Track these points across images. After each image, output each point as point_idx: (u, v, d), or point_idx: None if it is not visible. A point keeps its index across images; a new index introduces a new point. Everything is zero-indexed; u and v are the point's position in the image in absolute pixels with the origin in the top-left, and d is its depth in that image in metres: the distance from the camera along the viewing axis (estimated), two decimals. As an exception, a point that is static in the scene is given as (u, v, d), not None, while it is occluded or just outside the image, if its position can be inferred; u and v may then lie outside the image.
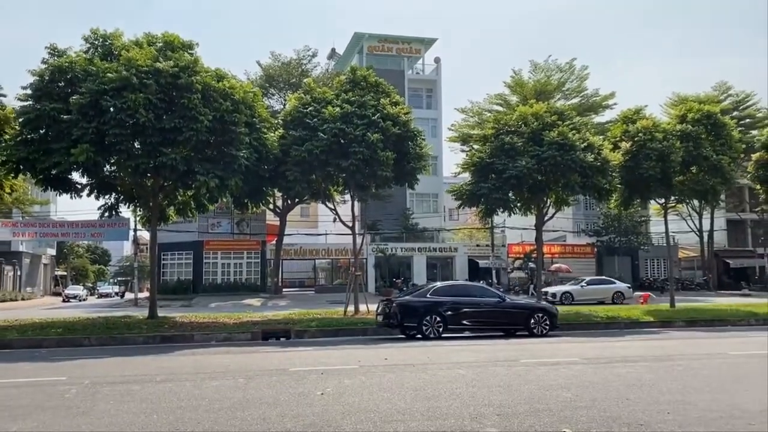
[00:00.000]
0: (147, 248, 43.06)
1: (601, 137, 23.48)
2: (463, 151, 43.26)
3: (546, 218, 23.16)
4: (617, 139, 23.04)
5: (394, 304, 15.25)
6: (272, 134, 19.65)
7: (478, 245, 44.87)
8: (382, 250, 41.83)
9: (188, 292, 39.79)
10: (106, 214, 20.05)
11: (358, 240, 22.62)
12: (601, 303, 28.00)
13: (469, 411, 6.65)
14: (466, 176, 24.01)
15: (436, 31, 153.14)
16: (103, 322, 17.65)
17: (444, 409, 6.72)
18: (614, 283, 31.09)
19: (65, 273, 70.01)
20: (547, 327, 15.55)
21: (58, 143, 16.22)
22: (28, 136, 17.14)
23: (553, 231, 42.59)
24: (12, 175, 18.62)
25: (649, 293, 29.59)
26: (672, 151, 21.44)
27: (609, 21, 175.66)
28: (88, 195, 19.36)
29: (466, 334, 15.58)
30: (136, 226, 32.21)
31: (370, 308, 20.22)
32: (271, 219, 42.47)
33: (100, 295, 63.75)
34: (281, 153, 19.62)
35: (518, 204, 22.48)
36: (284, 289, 41.10)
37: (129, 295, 52.67)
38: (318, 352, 12.13)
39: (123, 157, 16.57)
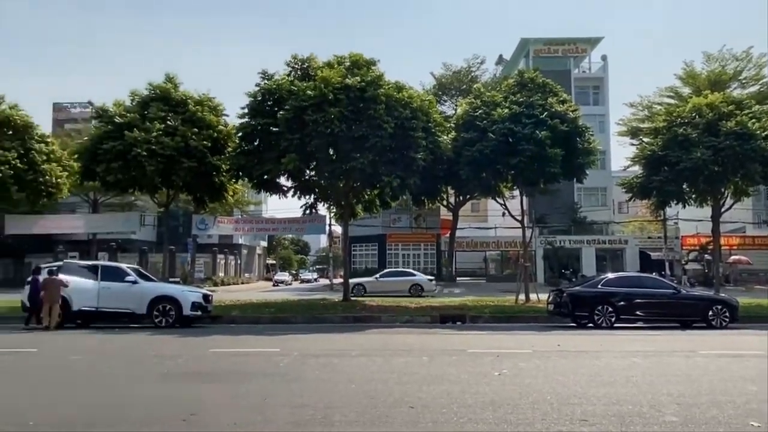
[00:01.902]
0: (340, 240, 46.09)
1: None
2: (632, 144, 41.00)
3: (723, 209, 22.13)
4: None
5: (565, 294, 14.81)
6: (446, 137, 19.92)
7: (649, 237, 43.36)
8: (550, 242, 40.66)
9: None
10: (307, 211, 22.00)
11: (527, 233, 22.10)
12: (398, 295, 25.86)
13: (647, 398, 6.26)
14: (636, 169, 22.52)
15: (602, 30, 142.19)
16: (306, 303, 19.33)
17: (621, 396, 6.38)
18: (414, 275, 29.02)
19: (274, 261, 77.94)
20: (727, 319, 14.41)
21: (269, 153, 18.02)
22: (246, 148, 19.33)
23: (731, 222, 37.99)
24: (233, 180, 21.47)
25: None
26: None
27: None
28: (293, 196, 21.32)
29: (639, 324, 14.75)
30: (330, 221, 34.86)
31: (540, 298, 19.80)
32: (445, 214, 43.05)
33: (302, 281, 69.66)
34: (454, 154, 19.88)
35: (693, 196, 21.53)
36: (458, 278, 41.41)
37: (324, 281, 57.00)
38: (492, 336, 12.12)
39: (321, 163, 18.02)
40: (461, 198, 35.51)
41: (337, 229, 42.55)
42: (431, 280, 29.69)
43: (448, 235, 39.85)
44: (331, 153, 18.13)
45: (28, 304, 14.79)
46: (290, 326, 15.37)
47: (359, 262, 45.41)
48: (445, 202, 36.79)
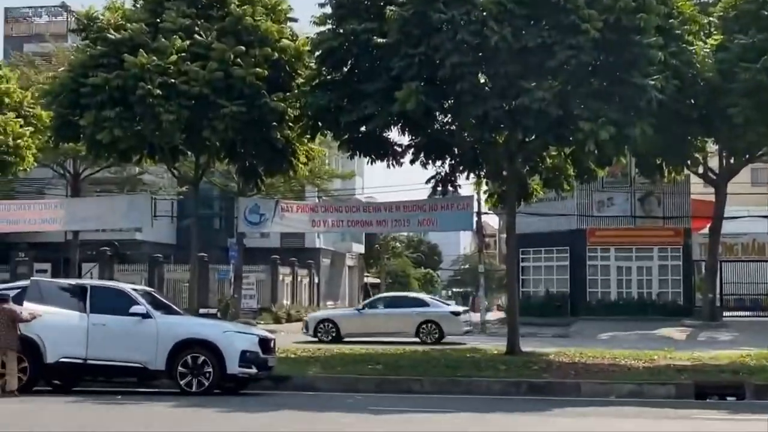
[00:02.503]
0: (497, 242, 45.98)
1: None
2: None
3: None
4: None
5: None
6: (702, 44, 19.20)
7: None
8: None
9: (562, 313, 41.50)
10: (438, 189, 22.24)
11: None
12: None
13: None
14: None
15: None
16: (440, 357, 19.68)
17: None
18: (426, 304, 31.56)
19: (378, 279, 79.85)
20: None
21: (370, 84, 18.47)
22: (329, 77, 19.95)
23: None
24: (307, 136, 22.22)
25: None
26: None
27: None
28: (412, 162, 21.72)
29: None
30: (480, 207, 35.00)
31: None
32: (700, 191, 41.44)
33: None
34: (719, 76, 19.26)
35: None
36: (726, 313, 39.84)
37: (470, 316, 57.63)
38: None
39: (464, 100, 18.13)
40: (732, 160, 33.85)
41: (492, 220, 42.46)
42: (462, 313, 31.26)
43: (705, 230, 38.29)
44: (483, 81, 18.19)
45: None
46: (412, 397, 15.70)
47: (534, 281, 45.29)
48: (700, 169, 35.32)
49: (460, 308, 33.95)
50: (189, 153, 24.45)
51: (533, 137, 20.00)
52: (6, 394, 15.09)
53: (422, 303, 31.66)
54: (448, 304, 34.65)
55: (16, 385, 15.26)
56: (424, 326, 29.00)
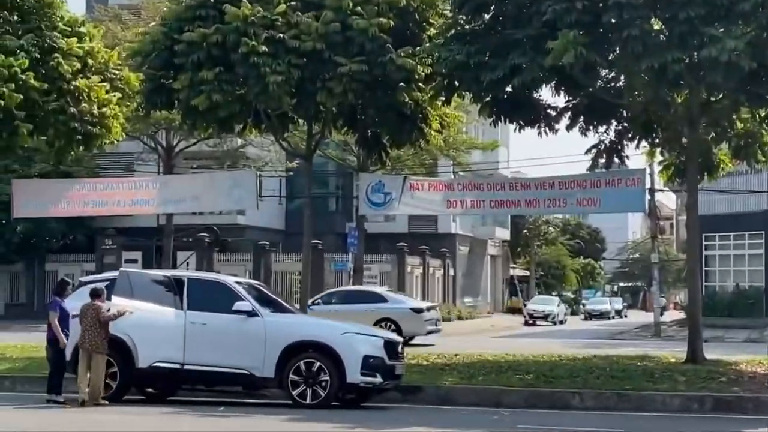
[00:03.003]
0: (675, 226, 45.11)
1: None
2: None
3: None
4: None
5: None
6: None
7: None
8: None
9: (755, 313, 40.73)
10: (601, 161, 21.93)
11: None
12: None
13: None
14: None
15: None
16: (604, 365, 19.47)
17: None
18: (383, 299, 32.93)
19: (526, 271, 79.41)
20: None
21: (520, 29, 18.34)
22: (467, 26, 19.90)
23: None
24: (441, 98, 22.14)
25: None
26: None
27: None
28: (568, 128, 21.53)
29: None
30: (653, 183, 34.37)
31: None
32: None
33: (588, 315, 70.13)
34: None
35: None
36: None
37: (640, 316, 56.58)
38: None
39: (634, 50, 17.79)
40: None
41: (667, 199, 41.50)
42: (426, 310, 32.38)
43: None
44: (658, 27, 18.05)
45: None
46: (569, 413, 15.70)
47: (720, 273, 44.27)
48: None
49: (424, 305, 34.93)
50: (300, 121, 24.70)
51: (720, 96, 19.63)
52: (92, 403, 15.63)
53: (379, 298, 32.74)
54: (413, 301, 35.43)
55: (100, 394, 15.80)
56: (380, 325, 28.54)
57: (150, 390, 17.17)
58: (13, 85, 20.89)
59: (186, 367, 16.19)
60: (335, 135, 30.12)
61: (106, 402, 15.70)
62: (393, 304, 32.39)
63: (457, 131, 38.13)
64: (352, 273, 40.76)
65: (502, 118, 21.57)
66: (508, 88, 19.53)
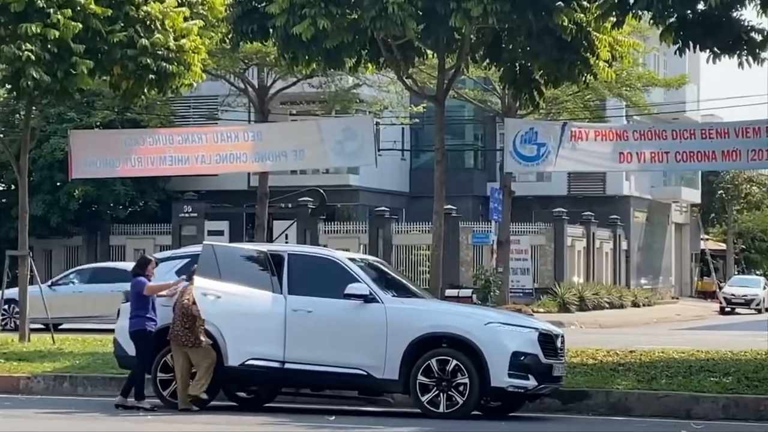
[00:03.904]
0: None
1: None
2: None
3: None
4: None
5: None
6: None
7: None
8: None
9: None
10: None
11: None
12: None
13: None
14: None
15: None
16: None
17: None
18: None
19: (722, 245, 78.16)
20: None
21: None
22: None
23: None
24: (612, 18, 21.84)
25: None
26: None
27: None
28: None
29: None
30: None
31: None
32: None
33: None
34: None
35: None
36: None
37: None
38: None
39: None
40: None
41: None
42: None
43: None
44: None
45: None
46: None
47: None
48: None
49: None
50: (429, 52, 24.68)
51: None
52: (189, 409, 16.11)
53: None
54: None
55: (186, 397, 16.21)
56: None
57: (242, 394, 17.40)
58: (69, 11, 21.27)
59: (287, 365, 16.33)
60: (473, 70, 30.04)
61: (196, 407, 16.06)
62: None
63: (631, 63, 37.58)
64: (495, 247, 40.79)
65: (691, 45, 21.18)
66: (700, 5, 19.21)
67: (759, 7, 20.03)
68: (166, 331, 16.36)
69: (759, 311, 56.01)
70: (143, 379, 16.67)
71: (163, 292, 16.58)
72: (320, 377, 16.50)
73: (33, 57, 21.31)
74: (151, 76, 23.22)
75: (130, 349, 16.94)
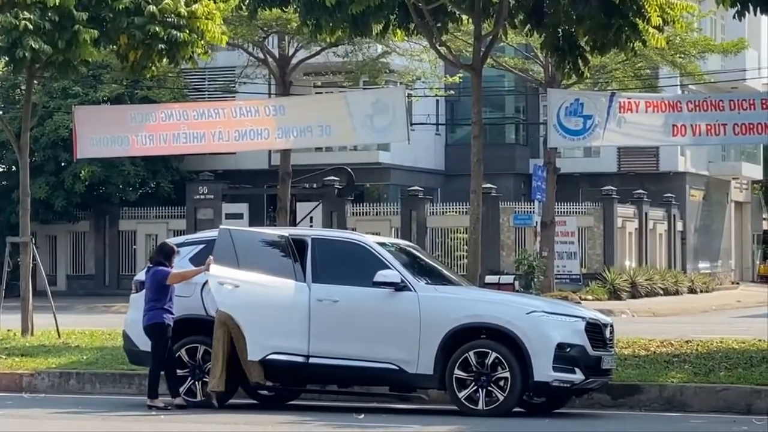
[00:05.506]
0: None
1: None
2: None
3: None
4: None
5: None
6: None
7: None
8: None
9: None
10: None
11: None
12: None
13: None
14: None
15: None
16: None
17: None
18: None
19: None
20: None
21: None
22: None
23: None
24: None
25: None
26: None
27: None
28: None
29: None
30: None
31: None
32: None
33: None
34: None
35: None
36: None
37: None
38: None
39: None
40: None
41: None
42: None
43: None
44: None
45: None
46: None
47: None
48: None
49: None
50: (464, 17, 24.63)
51: None
52: (211, 403, 16.30)
53: None
54: None
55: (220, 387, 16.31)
56: None
57: (264, 392, 17.43)
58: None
59: (312, 360, 16.38)
60: (513, 37, 29.95)
61: (215, 404, 16.18)
62: None
63: (685, 28, 37.42)
64: (539, 229, 40.72)
65: (751, 8, 21.04)
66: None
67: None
68: (183, 322, 16.48)
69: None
70: (158, 376, 16.72)
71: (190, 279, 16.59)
72: (348, 372, 16.52)
73: (31, 26, 21.38)
74: (160, 45, 23.24)
75: (141, 344, 17.04)
